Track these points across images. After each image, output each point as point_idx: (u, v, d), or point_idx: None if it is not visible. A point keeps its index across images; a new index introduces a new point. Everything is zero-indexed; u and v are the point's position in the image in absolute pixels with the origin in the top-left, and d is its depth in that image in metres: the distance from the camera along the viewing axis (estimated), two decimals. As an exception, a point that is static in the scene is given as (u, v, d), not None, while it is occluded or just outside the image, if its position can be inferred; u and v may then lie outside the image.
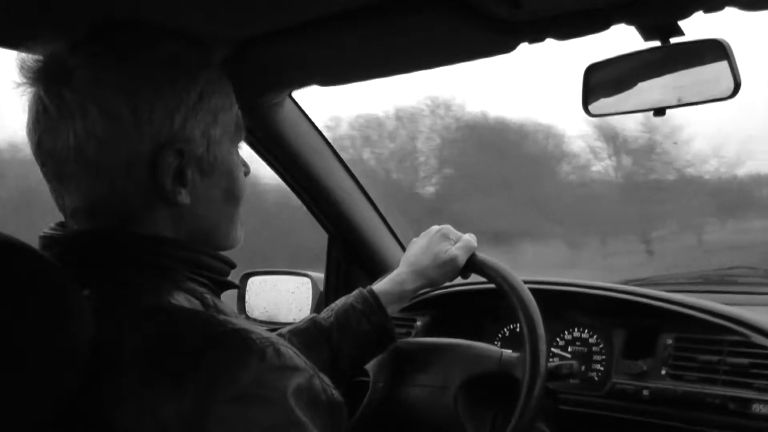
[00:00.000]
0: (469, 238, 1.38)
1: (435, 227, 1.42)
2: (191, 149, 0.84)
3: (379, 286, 1.37)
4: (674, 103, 1.15)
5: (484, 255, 1.37)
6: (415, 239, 1.43)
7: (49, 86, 0.81)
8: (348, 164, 1.84)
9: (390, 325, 1.34)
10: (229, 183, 0.91)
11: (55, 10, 0.95)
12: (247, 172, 0.97)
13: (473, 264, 1.36)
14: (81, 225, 0.85)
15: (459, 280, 1.43)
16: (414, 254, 1.39)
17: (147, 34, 0.86)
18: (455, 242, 1.38)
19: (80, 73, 0.80)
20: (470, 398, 1.29)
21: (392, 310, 1.35)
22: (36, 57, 0.83)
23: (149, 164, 0.82)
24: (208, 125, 0.86)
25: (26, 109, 0.84)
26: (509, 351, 1.31)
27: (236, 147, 0.93)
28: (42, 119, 0.82)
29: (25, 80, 0.83)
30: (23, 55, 0.84)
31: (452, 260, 1.35)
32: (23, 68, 0.83)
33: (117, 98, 0.80)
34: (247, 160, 0.97)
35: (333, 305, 1.37)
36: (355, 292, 1.36)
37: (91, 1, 0.92)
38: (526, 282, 1.29)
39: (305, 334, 1.32)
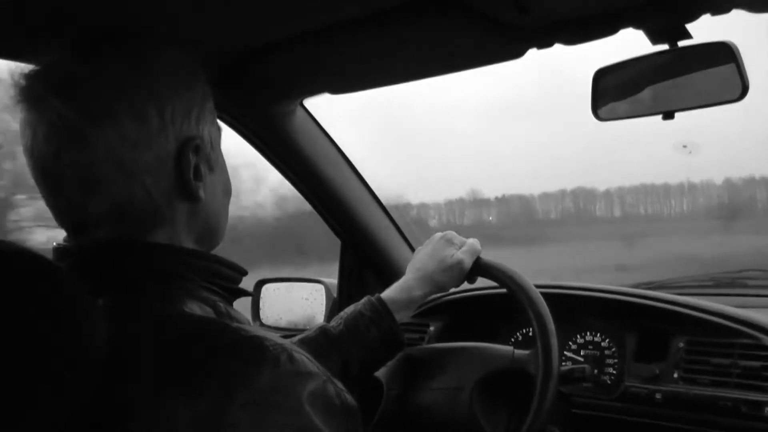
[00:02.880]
0: (474, 242, 1.39)
1: (438, 234, 1.43)
2: (203, 146, 0.88)
3: (387, 293, 1.38)
4: (683, 106, 1.15)
5: (489, 258, 1.37)
6: (419, 247, 1.44)
7: (66, 97, 0.80)
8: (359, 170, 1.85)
9: (398, 331, 1.34)
10: (226, 178, 0.96)
11: (62, 21, 0.94)
12: None
13: (479, 267, 1.37)
14: (103, 231, 0.84)
15: (468, 285, 1.43)
16: (420, 260, 1.40)
17: (154, 39, 0.88)
18: (460, 247, 1.39)
19: (101, 80, 0.81)
20: (485, 397, 1.29)
21: (401, 317, 1.36)
22: (43, 66, 0.83)
23: (174, 161, 0.85)
24: (211, 123, 0.91)
25: (29, 124, 0.82)
26: (521, 350, 1.31)
27: None
28: (60, 131, 0.80)
29: (33, 92, 0.82)
30: (30, 67, 0.84)
31: (458, 264, 1.36)
32: (31, 79, 0.83)
33: (144, 101, 0.82)
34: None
35: (342, 313, 1.38)
36: (363, 300, 1.37)
37: (99, 11, 0.93)
38: (538, 287, 1.29)
39: (315, 343, 1.33)
